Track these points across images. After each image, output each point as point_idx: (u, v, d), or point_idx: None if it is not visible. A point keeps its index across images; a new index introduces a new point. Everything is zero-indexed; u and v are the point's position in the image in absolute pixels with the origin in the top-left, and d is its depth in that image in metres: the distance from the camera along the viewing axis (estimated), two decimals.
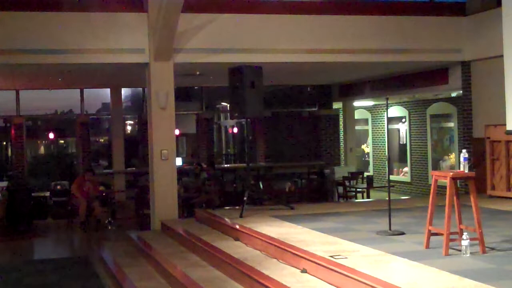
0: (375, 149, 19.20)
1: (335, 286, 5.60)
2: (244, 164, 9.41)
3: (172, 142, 11.02)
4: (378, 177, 18.21)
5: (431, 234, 6.28)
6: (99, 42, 10.51)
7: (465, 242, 5.89)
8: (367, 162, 19.49)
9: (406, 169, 17.41)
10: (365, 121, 19.60)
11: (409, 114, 17.22)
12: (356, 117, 18.68)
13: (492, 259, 5.74)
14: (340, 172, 15.93)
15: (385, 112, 15.35)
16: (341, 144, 18.34)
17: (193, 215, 10.74)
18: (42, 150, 20.99)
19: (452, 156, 15.50)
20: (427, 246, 6.27)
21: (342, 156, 18.54)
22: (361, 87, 16.45)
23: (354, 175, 15.63)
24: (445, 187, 6.09)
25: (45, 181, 16.65)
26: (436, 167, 15.77)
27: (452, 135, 15.57)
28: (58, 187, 14.95)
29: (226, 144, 23.10)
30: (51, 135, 19.90)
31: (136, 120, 18.43)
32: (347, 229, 7.82)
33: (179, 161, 13.60)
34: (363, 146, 19.85)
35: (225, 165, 19.03)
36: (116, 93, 16.51)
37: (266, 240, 7.31)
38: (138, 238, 10.02)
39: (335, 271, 5.63)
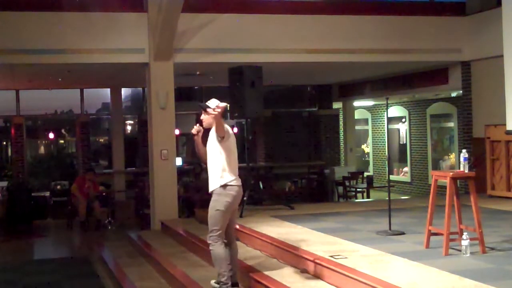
0: (375, 149, 19.20)
1: (335, 286, 5.60)
2: (244, 164, 9.39)
3: (172, 142, 11.02)
4: (378, 177, 18.21)
5: (431, 234, 6.28)
6: (99, 42, 10.51)
7: (465, 242, 5.89)
8: (367, 162, 19.50)
9: (406, 169, 17.41)
10: (365, 121, 19.60)
11: (409, 114, 17.23)
12: (356, 117, 18.68)
13: (492, 259, 5.74)
14: (340, 172, 15.94)
15: (385, 112, 15.35)
16: (341, 144, 18.34)
17: (193, 215, 10.74)
18: (42, 150, 20.97)
19: (452, 156, 15.50)
20: (427, 246, 6.27)
21: (342, 156, 18.54)
22: (361, 87, 16.45)
23: (354, 175, 15.63)
24: (445, 187, 6.09)
25: (45, 181, 16.64)
26: (436, 167, 15.77)
27: (452, 135, 15.57)
28: (58, 187, 14.96)
29: None
30: (51, 135, 19.88)
31: (136, 120, 18.40)
32: (347, 229, 7.81)
33: (179, 161, 13.59)
34: (363, 146, 19.85)
35: None
36: (116, 93, 16.50)
37: (266, 240, 7.31)
38: (138, 238, 10.02)
39: (335, 271, 5.63)
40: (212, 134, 6.01)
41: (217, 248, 5.89)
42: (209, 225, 5.93)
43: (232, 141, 6.02)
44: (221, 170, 5.91)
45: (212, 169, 5.99)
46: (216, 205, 5.90)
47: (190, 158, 15.94)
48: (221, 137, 5.87)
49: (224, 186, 5.90)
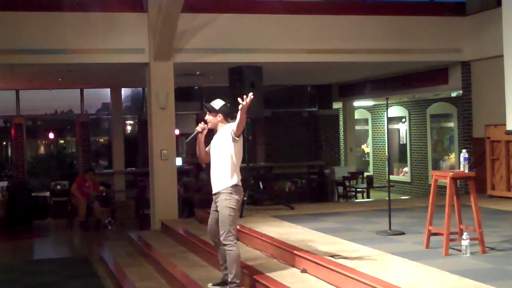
0: (375, 149, 19.20)
1: (335, 286, 5.60)
2: (244, 164, 9.39)
3: (172, 142, 11.02)
4: (378, 177, 18.21)
5: (431, 234, 6.28)
6: (99, 42, 10.50)
7: (465, 242, 5.89)
8: (367, 162, 19.49)
9: (406, 169, 17.41)
10: (365, 121, 19.60)
11: (409, 114, 17.22)
12: (356, 117, 18.68)
13: (492, 259, 5.75)
14: (340, 172, 15.94)
15: (385, 112, 15.36)
16: (341, 144, 18.34)
17: (193, 215, 10.74)
18: (42, 150, 20.97)
19: (452, 156, 15.50)
20: (427, 246, 6.27)
21: (342, 156, 18.54)
22: (361, 87, 16.45)
23: (354, 175, 15.63)
24: (445, 187, 6.09)
25: (45, 181, 16.64)
26: (436, 167, 15.77)
27: (452, 135, 15.57)
28: (58, 187, 14.95)
29: None
30: (51, 135, 19.89)
31: (136, 120, 18.40)
32: (347, 229, 7.82)
33: (179, 161, 13.60)
34: (363, 146, 19.85)
35: None
36: (116, 93, 16.49)
37: (266, 240, 7.31)
38: (138, 238, 10.02)
39: (335, 271, 5.63)
40: (222, 134, 6.00)
41: (237, 249, 5.90)
42: (225, 225, 5.87)
43: (242, 142, 6.02)
44: (230, 170, 5.90)
45: (219, 169, 5.95)
46: (229, 204, 5.87)
47: (190, 158, 15.94)
48: (238, 136, 5.85)
49: (234, 186, 5.90)
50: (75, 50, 10.41)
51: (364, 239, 6.91)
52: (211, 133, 6.19)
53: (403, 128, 17.59)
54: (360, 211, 9.52)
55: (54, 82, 14.67)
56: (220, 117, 6.04)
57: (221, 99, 6.15)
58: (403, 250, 6.24)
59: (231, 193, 5.89)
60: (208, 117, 6.08)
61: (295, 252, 6.48)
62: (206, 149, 6.18)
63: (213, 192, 6.02)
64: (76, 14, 10.41)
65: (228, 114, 6.10)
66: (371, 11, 11.98)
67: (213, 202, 6.08)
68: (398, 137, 17.80)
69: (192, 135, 6.22)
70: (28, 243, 12.05)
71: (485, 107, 11.86)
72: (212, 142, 6.13)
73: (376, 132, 19.09)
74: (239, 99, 5.67)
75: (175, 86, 11.16)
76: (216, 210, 6.01)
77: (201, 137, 6.12)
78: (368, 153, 19.64)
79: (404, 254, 6.04)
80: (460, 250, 5.94)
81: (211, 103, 6.08)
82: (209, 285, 6.26)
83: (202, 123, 6.13)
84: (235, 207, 5.92)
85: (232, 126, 5.87)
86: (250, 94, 5.66)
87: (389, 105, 7.61)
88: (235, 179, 5.92)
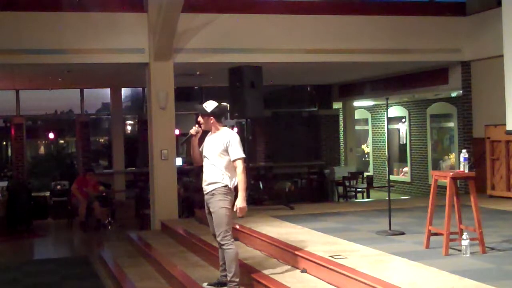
0: (375, 149, 19.20)
1: (335, 286, 5.60)
2: (244, 164, 9.40)
3: (172, 142, 11.02)
4: (378, 177, 18.21)
5: (431, 234, 6.28)
6: (99, 42, 10.50)
7: (465, 242, 5.89)
8: (367, 162, 19.49)
9: (406, 169, 17.41)
10: (365, 121, 19.59)
11: (409, 114, 17.22)
12: (356, 117, 18.67)
13: (492, 259, 5.74)
14: (340, 172, 15.93)
15: (385, 112, 15.36)
16: (341, 144, 18.34)
17: (193, 215, 10.74)
18: (42, 150, 20.97)
19: (452, 156, 15.50)
20: (427, 246, 6.27)
21: (342, 156, 18.53)
22: (361, 87, 16.45)
23: (354, 175, 15.63)
24: (445, 187, 6.09)
25: (45, 181, 16.64)
26: (436, 167, 15.77)
27: (452, 135, 15.57)
28: (58, 187, 14.94)
29: None
30: (51, 135, 19.89)
31: (136, 120, 18.41)
32: (347, 229, 7.82)
33: (179, 161, 13.59)
34: (363, 146, 19.85)
35: None
36: (116, 93, 16.50)
37: (266, 240, 7.31)
38: (138, 238, 10.02)
39: (335, 271, 5.63)
40: (218, 139, 5.98)
41: (235, 248, 5.93)
42: (222, 225, 5.88)
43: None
44: (225, 170, 5.90)
45: (215, 168, 5.94)
46: (224, 204, 5.88)
47: (190, 158, 15.97)
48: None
49: (228, 187, 5.90)
50: (75, 50, 10.41)
51: (364, 239, 6.90)
52: (205, 134, 6.18)
53: (403, 128, 17.59)
54: (360, 211, 9.52)
55: (54, 82, 14.67)
56: (212, 119, 6.03)
57: (218, 99, 6.15)
58: (403, 250, 6.24)
59: (225, 193, 5.89)
60: (201, 118, 6.08)
61: (295, 252, 6.49)
62: (200, 149, 6.15)
63: (206, 192, 6.00)
64: (76, 14, 10.40)
65: (221, 116, 6.08)
66: (371, 11, 11.97)
67: (205, 204, 6.07)
68: (398, 137, 17.79)
69: (186, 137, 6.23)
70: (28, 243, 12.05)
71: (485, 107, 11.85)
72: (205, 142, 6.11)
73: (376, 132, 19.08)
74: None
75: (175, 86, 11.16)
76: (210, 213, 6.01)
77: (195, 140, 6.12)
78: (368, 153, 19.63)
79: (404, 254, 6.04)
80: (460, 250, 5.94)
81: (203, 105, 6.07)
82: (204, 284, 6.26)
83: (196, 126, 6.12)
84: (230, 207, 5.92)
85: (233, 150, 5.90)
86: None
87: (389, 105, 7.61)
88: (230, 179, 5.92)
